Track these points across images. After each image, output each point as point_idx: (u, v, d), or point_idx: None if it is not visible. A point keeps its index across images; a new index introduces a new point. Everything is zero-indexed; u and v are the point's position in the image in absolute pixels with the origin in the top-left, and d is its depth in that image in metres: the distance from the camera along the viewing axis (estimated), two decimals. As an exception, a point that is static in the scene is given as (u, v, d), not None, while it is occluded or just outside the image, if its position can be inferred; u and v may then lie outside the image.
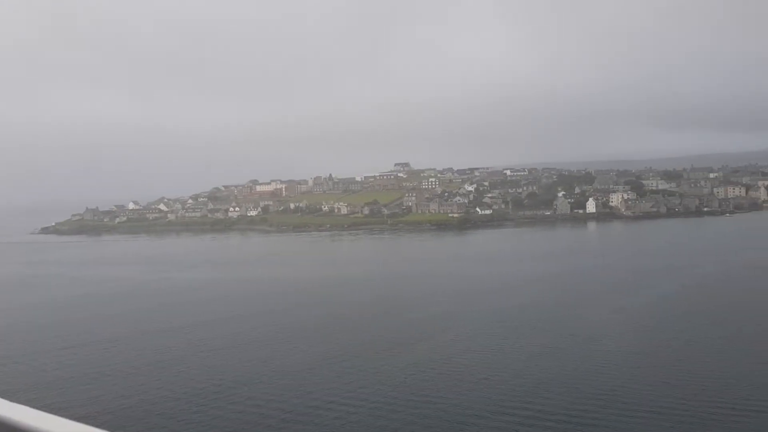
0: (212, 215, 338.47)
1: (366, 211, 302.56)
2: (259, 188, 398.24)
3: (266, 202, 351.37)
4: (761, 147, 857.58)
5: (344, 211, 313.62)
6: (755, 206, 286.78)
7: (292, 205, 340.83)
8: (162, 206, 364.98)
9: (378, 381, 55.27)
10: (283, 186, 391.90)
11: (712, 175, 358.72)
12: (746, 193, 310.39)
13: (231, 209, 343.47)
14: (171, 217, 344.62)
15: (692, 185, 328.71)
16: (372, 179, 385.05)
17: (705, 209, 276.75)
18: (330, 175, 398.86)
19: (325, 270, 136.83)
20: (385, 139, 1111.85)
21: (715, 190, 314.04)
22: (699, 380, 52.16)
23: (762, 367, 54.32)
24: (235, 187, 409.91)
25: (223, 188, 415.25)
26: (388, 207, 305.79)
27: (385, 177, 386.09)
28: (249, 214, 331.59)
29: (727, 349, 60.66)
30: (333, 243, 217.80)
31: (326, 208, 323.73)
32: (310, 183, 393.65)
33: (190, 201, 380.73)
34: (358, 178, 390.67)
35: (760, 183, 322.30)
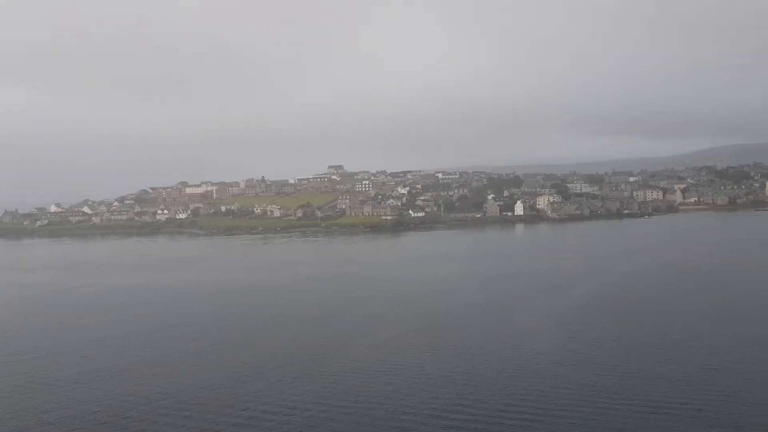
0: (139, 218, 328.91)
1: (299, 213, 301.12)
2: (188, 190, 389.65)
3: (196, 205, 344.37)
4: (677, 152, 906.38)
5: (277, 213, 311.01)
6: (672, 209, 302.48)
7: (223, 208, 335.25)
8: (86, 209, 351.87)
9: (311, 388, 54.88)
10: (214, 188, 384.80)
11: (632, 179, 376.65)
12: (663, 196, 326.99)
13: (159, 212, 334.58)
14: (96, 220, 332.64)
15: (613, 189, 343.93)
16: (305, 182, 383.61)
17: (625, 212, 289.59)
18: (263, 177, 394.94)
19: (256, 274, 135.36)
20: (319, 141, 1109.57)
21: (634, 193, 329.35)
22: (622, 377, 53.97)
23: (681, 364, 57.00)
24: (164, 189, 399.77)
25: (150, 190, 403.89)
26: (321, 209, 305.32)
27: (318, 179, 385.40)
28: (178, 217, 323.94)
29: (646, 347, 63.13)
30: (265, 246, 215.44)
31: (259, 210, 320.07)
32: (242, 185, 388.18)
33: (115, 203, 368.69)
34: (291, 181, 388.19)
35: (676, 186, 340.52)
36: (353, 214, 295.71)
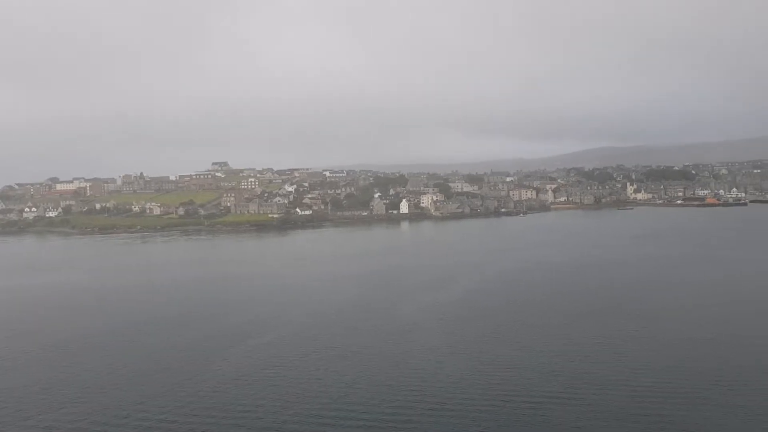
0: (4, 216, 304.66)
1: (181, 211, 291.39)
2: (59, 187, 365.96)
3: (68, 202, 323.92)
4: (549, 154, 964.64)
5: (157, 211, 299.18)
6: (545, 207, 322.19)
7: (98, 206, 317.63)
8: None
9: (190, 394, 53.91)
10: (88, 185, 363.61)
11: (508, 179, 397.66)
12: (537, 195, 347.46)
13: (26, 210, 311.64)
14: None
15: (492, 188, 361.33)
16: (188, 178, 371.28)
17: (503, 210, 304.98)
18: (141, 173, 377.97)
19: (132, 276, 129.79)
20: (202, 137, 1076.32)
21: (511, 192, 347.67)
22: (503, 371, 56.74)
23: (548, 355, 61.56)
24: (32, 185, 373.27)
25: (16, 186, 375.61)
26: (205, 207, 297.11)
27: (201, 176, 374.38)
28: (48, 215, 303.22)
29: (526, 339, 67.06)
30: (144, 246, 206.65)
31: (137, 208, 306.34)
32: (119, 182, 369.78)
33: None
34: (172, 177, 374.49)
35: (548, 186, 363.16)
36: (238, 212, 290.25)
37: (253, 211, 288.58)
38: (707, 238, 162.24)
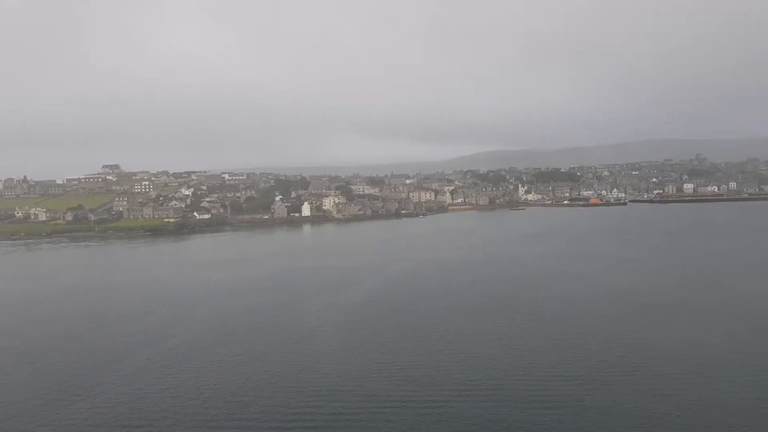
0: None
1: (69, 217, 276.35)
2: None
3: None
4: (447, 157, 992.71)
5: (43, 217, 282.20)
6: (443, 209, 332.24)
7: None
8: None
9: (81, 411, 52.30)
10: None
11: (408, 182, 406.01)
12: (435, 197, 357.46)
13: None
14: None
15: (392, 190, 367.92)
16: (76, 182, 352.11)
17: (403, 212, 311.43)
18: (24, 176, 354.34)
19: (14, 285, 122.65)
20: (89, 138, 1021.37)
21: (411, 194, 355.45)
22: (406, 370, 58.32)
23: (448, 353, 64.31)
24: None
25: None
26: (95, 212, 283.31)
27: (91, 180, 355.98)
28: None
29: (427, 338, 69.25)
30: (29, 254, 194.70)
31: (20, 214, 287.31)
32: (0, 186, 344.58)
33: None
34: (59, 181, 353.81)
35: (446, 188, 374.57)
36: (132, 216, 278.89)
37: (147, 216, 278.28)
38: (591, 236, 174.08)
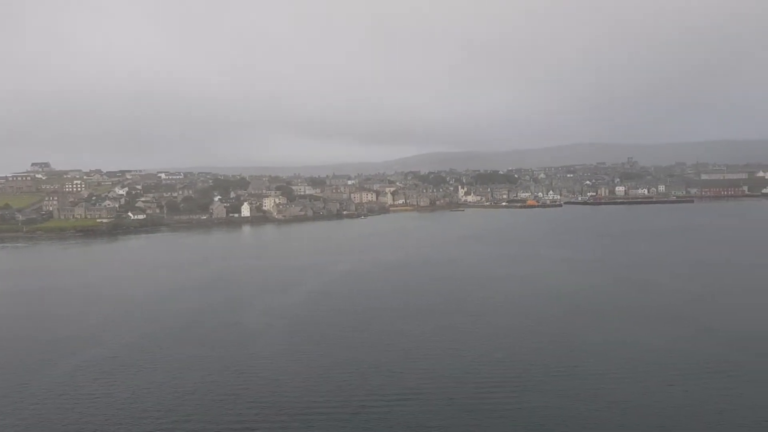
0: None
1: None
2: None
3: None
4: (388, 158, 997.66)
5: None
6: (384, 209, 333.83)
7: None
8: None
9: (5, 415, 50.17)
10: None
11: (350, 182, 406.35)
12: (377, 198, 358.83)
13: None
14: None
15: (334, 191, 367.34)
16: (3, 181, 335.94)
17: (345, 212, 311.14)
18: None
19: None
20: (16, 135, 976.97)
21: (352, 195, 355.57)
22: (347, 372, 57.81)
23: (390, 355, 64.46)
24: None
25: None
26: (23, 212, 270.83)
27: (19, 178, 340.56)
28: None
29: (367, 340, 69.19)
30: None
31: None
32: None
33: None
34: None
35: (387, 189, 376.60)
36: (63, 216, 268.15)
37: (79, 216, 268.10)
38: (527, 237, 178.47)
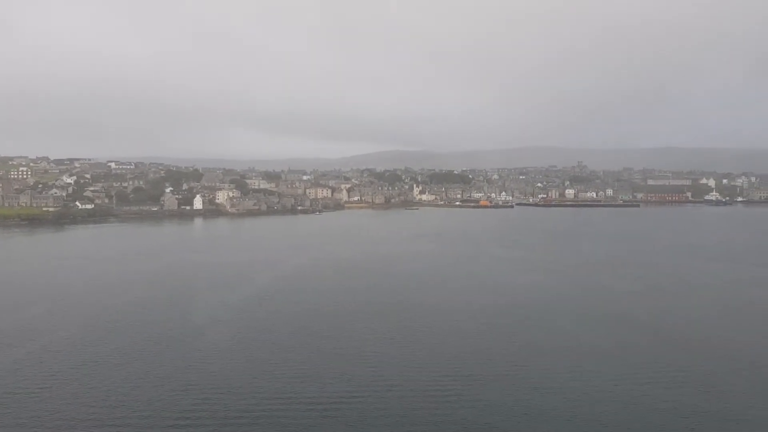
0: None
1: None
2: None
3: None
4: (344, 155, 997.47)
5: None
6: (339, 206, 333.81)
7: None
8: None
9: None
10: None
11: (305, 178, 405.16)
12: (332, 194, 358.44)
13: None
14: None
15: (289, 186, 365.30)
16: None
17: (299, 208, 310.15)
18: None
19: None
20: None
21: (307, 191, 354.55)
22: (294, 373, 57.18)
23: (342, 357, 64.84)
24: None
25: None
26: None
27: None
28: None
29: (317, 339, 68.88)
30: None
31: None
32: None
33: None
34: None
35: (342, 186, 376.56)
36: (7, 204, 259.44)
37: (24, 204, 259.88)
38: (479, 237, 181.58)
